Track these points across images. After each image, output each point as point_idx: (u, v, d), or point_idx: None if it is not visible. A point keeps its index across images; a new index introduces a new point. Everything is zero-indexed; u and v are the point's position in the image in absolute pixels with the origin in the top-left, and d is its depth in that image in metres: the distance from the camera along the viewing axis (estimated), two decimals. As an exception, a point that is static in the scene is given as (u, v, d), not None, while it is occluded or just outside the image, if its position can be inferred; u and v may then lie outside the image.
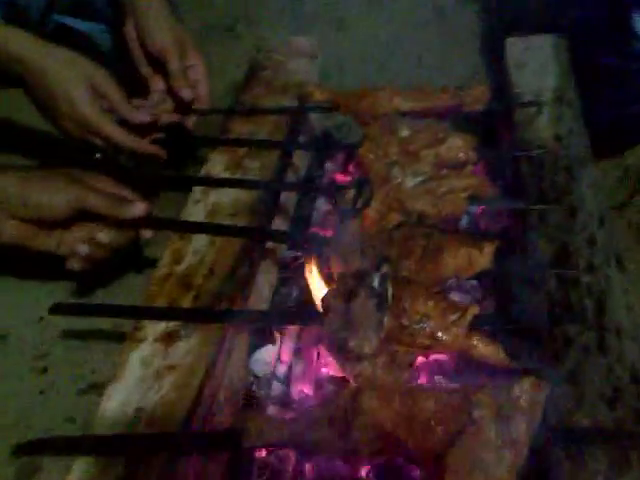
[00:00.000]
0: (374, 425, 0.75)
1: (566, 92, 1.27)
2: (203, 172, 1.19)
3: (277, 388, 1.06)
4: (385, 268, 0.84)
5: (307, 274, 0.97)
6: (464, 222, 1.14)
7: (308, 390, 1.05)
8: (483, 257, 0.94)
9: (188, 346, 0.90)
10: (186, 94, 1.20)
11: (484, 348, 0.86)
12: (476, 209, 1.11)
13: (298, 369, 1.07)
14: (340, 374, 1.04)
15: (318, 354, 1.09)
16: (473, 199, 1.04)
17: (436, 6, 1.93)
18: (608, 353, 0.83)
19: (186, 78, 1.20)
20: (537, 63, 1.34)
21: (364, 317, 0.83)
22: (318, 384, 1.06)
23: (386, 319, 0.83)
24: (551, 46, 1.38)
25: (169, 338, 0.91)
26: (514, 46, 1.40)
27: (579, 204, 1.03)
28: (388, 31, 1.90)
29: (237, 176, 1.16)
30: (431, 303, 0.87)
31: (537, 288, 0.91)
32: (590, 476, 0.71)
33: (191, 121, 1.26)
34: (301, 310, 1.04)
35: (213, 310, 0.94)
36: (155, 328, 0.92)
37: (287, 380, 1.07)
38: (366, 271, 0.87)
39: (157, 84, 1.23)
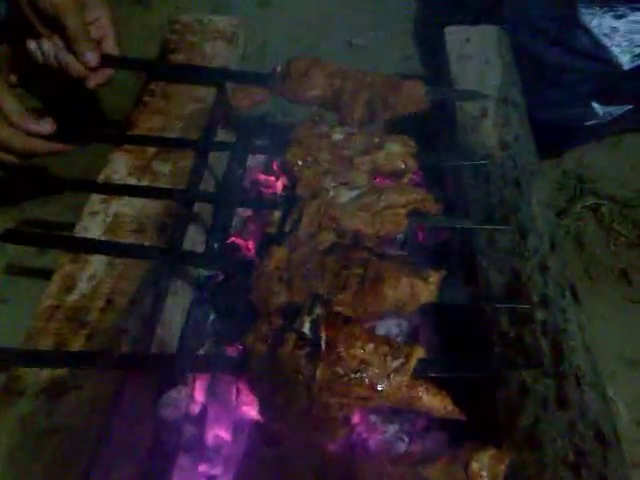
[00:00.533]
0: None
1: (511, 91, 1.16)
2: (103, 176, 1.01)
3: (189, 432, 0.93)
4: (318, 310, 0.71)
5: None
6: (400, 239, 1.02)
7: (225, 435, 0.92)
8: (428, 288, 0.81)
9: (78, 400, 0.74)
10: (89, 58, 1.01)
11: (430, 400, 0.74)
12: (416, 227, 0.99)
13: (214, 410, 0.94)
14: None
15: (237, 392, 0.96)
16: (414, 216, 0.92)
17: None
18: (569, 406, 0.73)
19: (88, 37, 1.01)
20: (480, 57, 1.23)
21: (293, 370, 0.70)
22: (237, 428, 0.93)
23: (319, 372, 0.70)
24: (494, 38, 1.27)
25: (54, 391, 0.75)
26: (454, 36, 1.28)
27: (529, 224, 0.93)
28: (317, 11, 1.75)
29: (145, 182, 0.99)
30: (370, 347, 0.75)
31: (488, 326, 0.80)
32: None
33: (94, 81, 1.07)
34: (218, 355, 0.89)
35: (110, 354, 0.78)
36: (37, 378, 0.76)
37: (201, 423, 0.94)
38: (295, 311, 0.73)
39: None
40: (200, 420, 0.93)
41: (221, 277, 1.06)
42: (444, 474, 0.62)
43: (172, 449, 0.88)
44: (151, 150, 1.05)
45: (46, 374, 0.76)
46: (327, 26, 1.73)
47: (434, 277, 0.82)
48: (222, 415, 0.93)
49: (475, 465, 0.61)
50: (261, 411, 0.76)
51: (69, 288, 0.85)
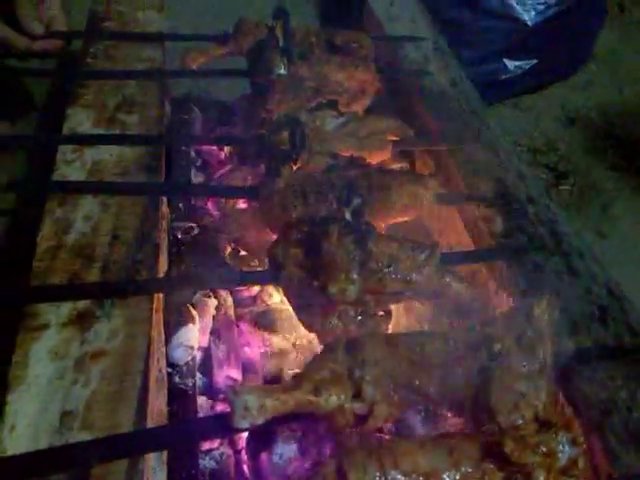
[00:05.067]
0: (387, 376, 0.63)
1: (441, 42, 1.26)
2: (67, 130, 0.96)
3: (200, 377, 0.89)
4: (357, 201, 0.73)
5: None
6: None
7: (237, 375, 0.89)
8: (429, 193, 0.87)
9: (112, 326, 0.69)
10: (35, 27, 0.99)
11: (458, 287, 0.79)
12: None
13: (220, 353, 0.91)
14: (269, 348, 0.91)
15: (239, 333, 0.94)
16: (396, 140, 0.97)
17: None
18: (580, 275, 0.80)
19: (35, 10, 1.00)
20: (406, 17, 1.32)
21: (342, 257, 0.70)
22: (248, 367, 0.91)
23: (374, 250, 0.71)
24: (414, 1, 1.37)
25: (82, 320, 0.70)
26: (379, 1, 1.36)
27: (497, 143, 1.01)
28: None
29: (116, 132, 0.96)
30: (395, 244, 0.78)
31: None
32: (613, 394, 0.67)
33: (41, 45, 1.05)
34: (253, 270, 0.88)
35: (138, 281, 0.74)
36: (58, 311, 0.70)
37: (210, 366, 0.91)
38: (330, 209, 0.74)
39: None
40: (209, 363, 0.90)
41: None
42: (507, 329, 0.66)
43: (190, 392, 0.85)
44: (111, 104, 1.01)
45: (67, 307, 0.70)
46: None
47: (433, 183, 0.88)
48: (229, 356, 0.91)
49: (537, 310, 0.65)
50: (300, 318, 0.76)
51: (65, 229, 0.80)
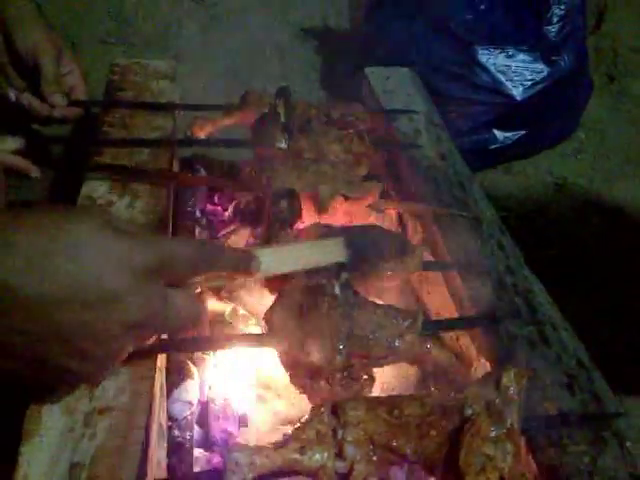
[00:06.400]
0: (367, 437, 0.69)
1: (434, 115, 1.35)
2: (84, 195, 1.04)
3: (198, 430, 0.95)
4: (345, 276, 0.80)
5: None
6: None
7: (232, 428, 0.95)
8: (414, 260, 0.94)
9: (119, 384, 0.76)
10: (57, 99, 1.08)
11: (438, 353, 0.85)
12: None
13: (216, 407, 0.97)
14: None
15: (235, 386, 1.00)
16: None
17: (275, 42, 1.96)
18: (552, 345, 0.87)
19: (60, 84, 1.09)
20: (402, 91, 1.41)
21: (330, 329, 0.77)
22: (243, 420, 0.96)
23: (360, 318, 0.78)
24: (409, 76, 1.46)
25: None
26: (375, 74, 1.46)
27: (481, 214, 1.08)
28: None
29: (126, 199, 1.04)
30: (380, 311, 0.85)
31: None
32: (576, 459, 0.73)
33: (61, 112, 1.13)
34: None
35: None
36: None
37: (204, 420, 0.96)
38: (322, 281, 0.81)
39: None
40: (206, 416, 0.96)
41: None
42: (479, 395, 0.72)
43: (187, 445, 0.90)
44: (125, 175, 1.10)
45: (78, 364, 0.77)
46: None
47: (419, 250, 0.95)
48: (225, 410, 0.97)
49: (505, 379, 0.72)
50: (292, 381, 0.82)
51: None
